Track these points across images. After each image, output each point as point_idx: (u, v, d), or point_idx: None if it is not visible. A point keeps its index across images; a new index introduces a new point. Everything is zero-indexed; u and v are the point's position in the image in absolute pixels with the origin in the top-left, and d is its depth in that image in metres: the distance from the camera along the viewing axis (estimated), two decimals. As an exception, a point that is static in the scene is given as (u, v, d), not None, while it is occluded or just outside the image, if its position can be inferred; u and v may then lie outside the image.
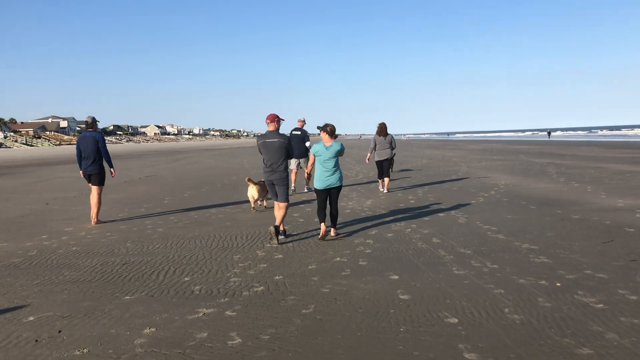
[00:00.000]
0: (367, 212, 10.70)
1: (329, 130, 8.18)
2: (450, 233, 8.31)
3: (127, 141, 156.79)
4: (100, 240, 8.60)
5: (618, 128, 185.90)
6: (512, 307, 4.80)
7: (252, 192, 11.18)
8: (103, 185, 10.52)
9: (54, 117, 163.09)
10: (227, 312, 4.89)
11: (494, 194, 13.15)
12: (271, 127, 8.31)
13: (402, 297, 5.21)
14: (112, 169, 10.65)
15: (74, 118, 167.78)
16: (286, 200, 8.21)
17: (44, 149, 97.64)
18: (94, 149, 10.12)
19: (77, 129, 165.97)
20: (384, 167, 14.24)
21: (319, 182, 8.18)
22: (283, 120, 8.44)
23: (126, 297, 5.48)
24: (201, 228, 9.47)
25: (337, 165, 8.20)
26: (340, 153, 8.20)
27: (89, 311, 5.07)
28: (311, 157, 8.47)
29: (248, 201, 12.28)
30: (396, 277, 5.91)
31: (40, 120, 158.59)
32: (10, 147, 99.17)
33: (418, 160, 29.98)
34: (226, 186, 17.16)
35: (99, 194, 10.40)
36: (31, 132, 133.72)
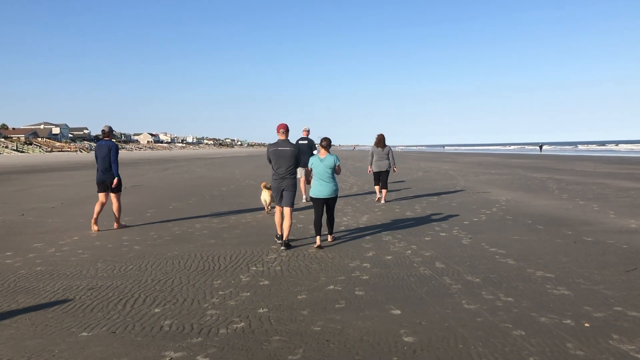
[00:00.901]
0: (363, 230, 9.94)
1: (324, 144, 8.68)
2: (454, 256, 7.56)
3: (120, 148, 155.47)
4: (70, 259, 7.79)
5: (603, 143, 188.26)
6: (538, 356, 4.04)
7: (265, 196, 12.33)
8: (120, 191, 10.77)
9: (46, 123, 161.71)
10: (199, 358, 4.11)
11: (496, 211, 12.43)
12: (282, 137, 8.62)
13: (406, 339, 4.44)
14: (116, 178, 10.53)
15: (66, 125, 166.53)
16: (292, 205, 8.45)
17: (34, 155, 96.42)
18: (107, 157, 10.43)
19: (70, 135, 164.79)
20: (381, 178, 14.47)
21: (314, 191, 8.53)
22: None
23: (83, 334, 4.68)
24: (182, 246, 8.68)
25: (333, 177, 8.56)
26: (335, 166, 8.57)
27: (35, 353, 4.27)
28: (309, 169, 8.96)
29: (235, 215, 11.69)
30: (398, 312, 5.14)
31: (32, 127, 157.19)
32: (0, 153, 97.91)
33: (414, 173, 29.29)
34: (215, 198, 16.37)
35: (119, 200, 10.71)
36: (22, 138, 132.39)
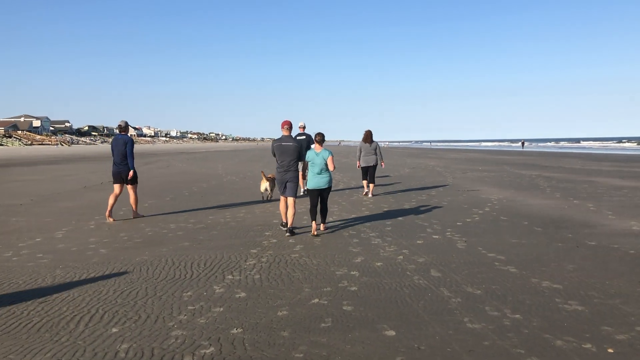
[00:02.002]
0: (351, 232, 9.27)
1: (318, 139, 9.32)
2: (450, 263, 6.91)
3: (101, 142, 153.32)
4: (26, 265, 7.01)
5: (577, 140, 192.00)
6: (562, 394, 3.40)
7: (265, 185, 13.63)
8: (137, 183, 11.13)
9: (26, 116, 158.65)
10: (155, 397, 3.41)
11: (489, 210, 11.83)
12: (286, 132, 9.35)
13: (403, 369, 3.78)
14: (132, 170, 10.89)
15: (47, 117, 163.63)
16: (294, 195, 9.12)
17: (13, 148, 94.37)
18: (123, 151, 10.76)
19: (51, 128, 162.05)
20: (369, 173, 14.82)
21: (311, 184, 9.14)
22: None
23: (22, 362, 3.95)
24: (153, 249, 7.94)
25: (327, 170, 9.15)
26: (328, 158, 9.11)
27: (-43, 390, 3.54)
28: (305, 162, 9.48)
29: (214, 215, 11.09)
30: (392, 332, 4.47)
31: (12, 119, 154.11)
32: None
33: (400, 169, 28.71)
34: (194, 195, 15.60)
35: (135, 191, 11.07)
36: (2, 131, 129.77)
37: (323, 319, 4.81)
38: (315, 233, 9.00)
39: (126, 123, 11.20)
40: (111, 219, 10.68)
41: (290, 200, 9.04)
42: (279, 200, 10.20)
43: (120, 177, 10.86)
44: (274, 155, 9.31)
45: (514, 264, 6.87)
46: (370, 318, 4.84)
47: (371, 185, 14.85)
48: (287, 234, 8.99)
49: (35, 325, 4.75)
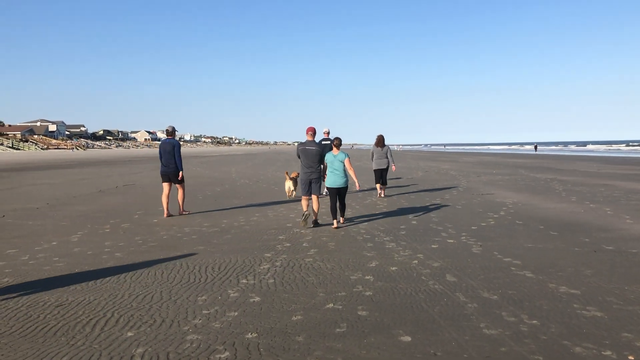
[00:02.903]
0: (364, 235, 9.24)
1: (336, 143, 10.43)
2: (466, 268, 6.86)
3: (116, 146, 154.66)
4: (43, 269, 7.07)
5: (584, 143, 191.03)
6: (582, 402, 3.34)
7: (289, 184, 15.04)
8: (184, 182, 12.31)
9: (42, 120, 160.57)
10: (171, 402, 3.41)
11: (504, 214, 11.73)
12: (310, 138, 10.41)
13: (419, 376, 3.74)
14: (181, 171, 12.06)
15: (63, 122, 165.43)
16: (318, 193, 10.40)
17: (30, 152, 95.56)
18: (171, 153, 11.89)
19: (67, 133, 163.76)
20: (382, 175, 15.65)
21: (329, 182, 10.30)
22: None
23: (39, 366, 3.98)
24: (167, 253, 7.97)
25: (344, 170, 10.23)
26: (345, 160, 10.23)
27: (-25, 393, 3.56)
28: (325, 164, 10.46)
29: (228, 218, 11.13)
30: (408, 338, 4.44)
31: (29, 124, 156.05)
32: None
33: (414, 172, 28.61)
34: (208, 198, 15.65)
35: (183, 190, 12.37)
36: (18, 135, 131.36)
37: (338, 324, 4.79)
38: (336, 226, 10.16)
39: (173, 128, 12.29)
40: (168, 213, 11.98)
41: (314, 197, 10.38)
42: (299, 200, 10.33)
43: (168, 177, 12.02)
44: (299, 157, 10.41)
45: (530, 268, 6.79)
46: (385, 323, 4.81)
47: (384, 187, 15.74)
48: (312, 225, 10.32)
49: (51, 329, 4.78)
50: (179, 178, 11.98)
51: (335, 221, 10.18)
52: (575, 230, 9.63)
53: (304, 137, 10.44)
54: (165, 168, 12.01)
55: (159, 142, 12.53)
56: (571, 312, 5.07)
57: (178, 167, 11.91)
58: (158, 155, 12.63)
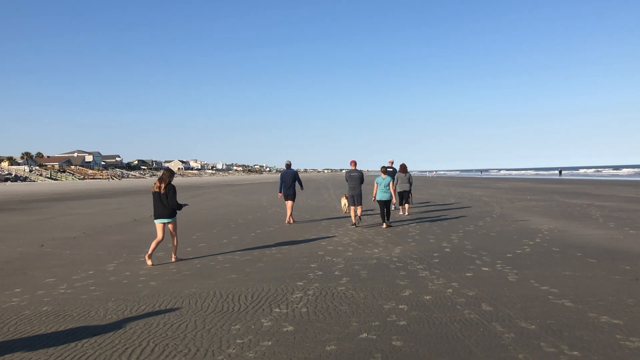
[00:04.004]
0: (397, 264, 9.16)
1: (383, 170, 15.47)
2: (502, 297, 6.72)
3: (150, 176, 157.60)
4: (80, 297, 7.21)
5: (615, 167, 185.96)
6: None
7: (344, 201, 17.63)
8: (295, 200, 16.82)
9: (79, 151, 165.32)
10: None
11: (540, 241, 11.50)
12: (353, 167, 15.50)
13: (457, 408, 3.65)
14: (302, 188, 17.53)
15: (99, 152, 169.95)
16: (360, 204, 15.33)
17: (67, 183, 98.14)
18: (293, 180, 16.57)
19: (102, 163, 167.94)
20: (404, 196, 18.76)
21: (379, 197, 14.78)
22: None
23: (77, 395, 4.02)
24: (201, 282, 8.04)
25: (388, 189, 14.72)
26: (390, 182, 14.82)
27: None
28: (375, 185, 14.95)
29: (260, 247, 11.14)
30: (444, 369, 4.35)
31: (66, 155, 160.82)
32: (34, 181, 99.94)
33: (446, 199, 28.32)
34: (240, 226, 15.77)
35: (293, 205, 16.78)
36: (56, 166, 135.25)
37: (372, 354, 4.73)
38: (385, 226, 14.63)
39: (290, 162, 16.89)
40: (291, 220, 16.60)
41: (359, 207, 15.28)
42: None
43: (288, 197, 16.45)
44: (347, 181, 15.35)
45: (568, 297, 6.62)
46: (420, 354, 4.73)
47: (407, 206, 18.89)
48: (353, 225, 15.23)
49: (88, 358, 4.85)
50: (295, 196, 16.69)
51: (384, 223, 14.65)
52: (615, 257, 9.37)
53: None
54: (287, 190, 16.45)
55: (281, 171, 17.24)
56: (614, 343, 4.91)
57: (300, 187, 16.93)
58: (279, 180, 16.84)
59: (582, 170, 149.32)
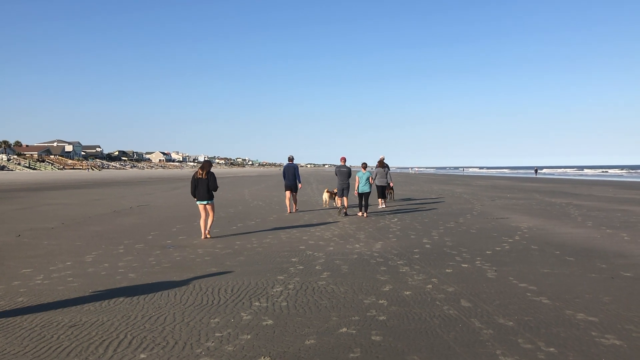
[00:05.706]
0: (378, 259, 9.19)
1: (364, 165, 17.09)
2: (481, 293, 6.78)
3: (131, 167, 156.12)
4: (57, 289, 7.10)
5: (581, 168, 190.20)
6: None
7: (325, 196, 20.26)
8: (297, 191, 18.40)
9: (59, 141, 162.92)
10: None
11: (519, 239, 11.62)
12: (342, 162, 17.64)
13: (435, 403, 3.68)
14: (299, 183, 18.09)
15: (79, 142, 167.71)
16: (347, 196, 17.17)
17: (46, 172, 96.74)
18: (294, 174, 17.86)
19: (82, 153, 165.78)
20: (383, 191, 19.82)
21: (360, 189, 16.61)
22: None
23: (52, 387, 3.97)
24: (181, 274, 7.98)
25: (369, 182, 16.67)
26: (369, 177, 16.76)
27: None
28: (357, 179, 16.80)
29: (241, 240, 11.11)
30: (423, 365, 4.38)
31: (46, 144, 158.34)
32: (12, 170, 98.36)
33: (427, 195, 28.48)
34: (221, 220, 15.68)
35: (294, 196, 18.25)
36: (35, 155, 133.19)
37: (352, 349, 4.74)
38: (361, 215, 16.43)
39: (292, 156, 18.52)
40: (293, 209, 18.27)
41: (345, 199, 17.01)
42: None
43: (291, 188, 17.87)
44: (336, 175, 17.32)
45: (546, 294, 6.70)
46: (399, 349, 4.75)
47: (384, 200, 20.17)
48: (341, 215, 16.57)
49: (65, 349, 4.78)
50: (299, 188, 18.27)
51: (360, 212, 16.55)
52: (592, 256, 9.50)
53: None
54: (288, 182, 17.77)
55: (284, 165, 18.22)
56: (589, 340, 4.98)
57: (297, 182, 17.82)
58: (282, 173, 18.66)
59: (560, 170, 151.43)
